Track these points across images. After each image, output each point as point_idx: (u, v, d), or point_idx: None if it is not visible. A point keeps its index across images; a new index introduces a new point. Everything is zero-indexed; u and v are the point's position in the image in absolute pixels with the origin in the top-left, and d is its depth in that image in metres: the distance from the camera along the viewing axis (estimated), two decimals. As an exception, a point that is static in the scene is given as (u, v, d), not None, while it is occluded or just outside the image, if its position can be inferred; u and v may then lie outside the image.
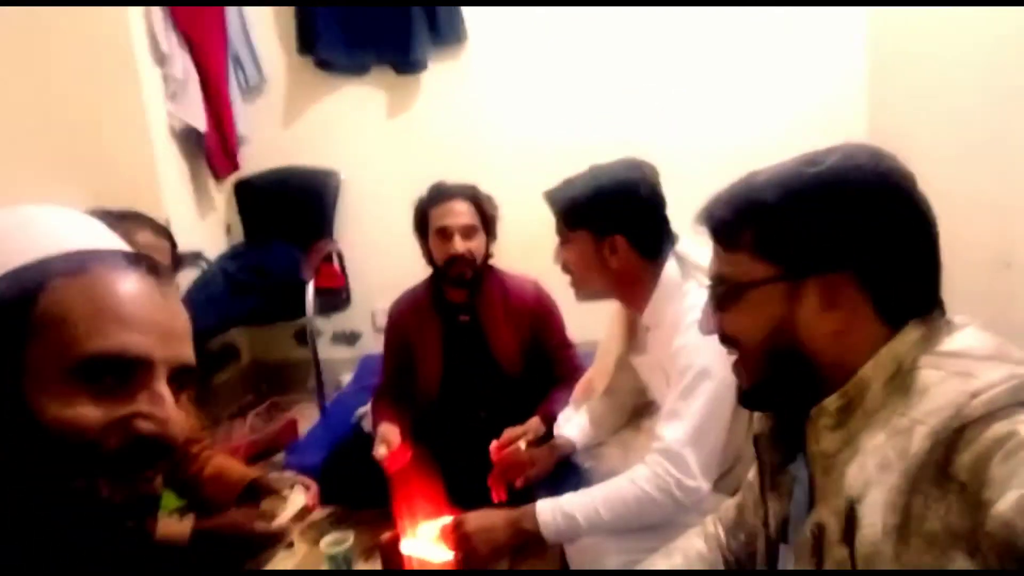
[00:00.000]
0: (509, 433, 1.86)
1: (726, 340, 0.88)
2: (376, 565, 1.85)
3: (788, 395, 0.84)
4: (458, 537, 1.41)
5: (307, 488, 1.59)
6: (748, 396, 0.88)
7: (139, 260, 0.63)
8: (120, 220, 1.47)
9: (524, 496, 1.59)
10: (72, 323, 0.57)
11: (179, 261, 2.71)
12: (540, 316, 2.11)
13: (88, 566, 0.57)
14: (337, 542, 1.84)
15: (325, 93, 3.11)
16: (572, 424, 1.82)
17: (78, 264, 0.59)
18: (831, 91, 2.92)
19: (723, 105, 2.98)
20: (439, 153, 3.02)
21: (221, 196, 3.20)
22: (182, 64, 2.76)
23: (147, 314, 0.60)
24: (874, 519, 0.70)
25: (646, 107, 2.99)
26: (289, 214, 3.01)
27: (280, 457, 2.53)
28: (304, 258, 2.75)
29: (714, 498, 1.39)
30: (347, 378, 3.09)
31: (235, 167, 3.06)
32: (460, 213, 2.01)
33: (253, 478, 1.63)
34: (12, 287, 0.56)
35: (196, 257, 2.86)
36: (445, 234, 2.01)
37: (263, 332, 3.28)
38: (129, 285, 0.60)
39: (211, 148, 2.92)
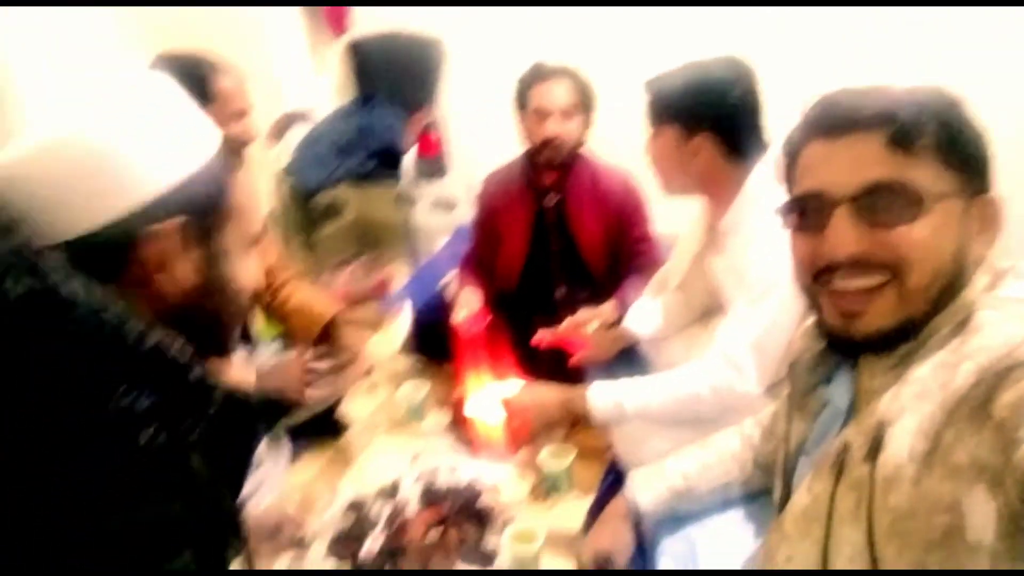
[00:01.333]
0: (581, 314, 1.94)
1: (878, 265, 0.75)
2: (447, 415, 2.04)
3: (915, 333, 0.76)
4: (512, 408, 1.53)
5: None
6: (882, 337, 0.77)
7: None
8: (197, 66, 1.58)
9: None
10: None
11: (290, 119, 2.88)
12: (626, 206, 2.11)
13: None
14: (413, 390, 2.03)
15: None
16: (641, 314, 1.88)
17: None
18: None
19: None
20: (548, 28, 2.95)
21: (335, 56, 3.27)
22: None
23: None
24: (902, 442, 0.70)
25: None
26: (396, 79, 3.06)
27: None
28: (406, 124, 2.82)
29: (766, 405, 1.44)
30: (442, 242, 3.23)
31: (347, 27, 3.10)
32: (559, 94, 2.00)
33: (329, 319, 1.79)
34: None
35: (306, 114, 3.00)
36: (541, 114, 2.01)
37: (368, 192, 3.43)
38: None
39: (326, 8, 2.96)
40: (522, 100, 2.05)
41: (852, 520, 0.75)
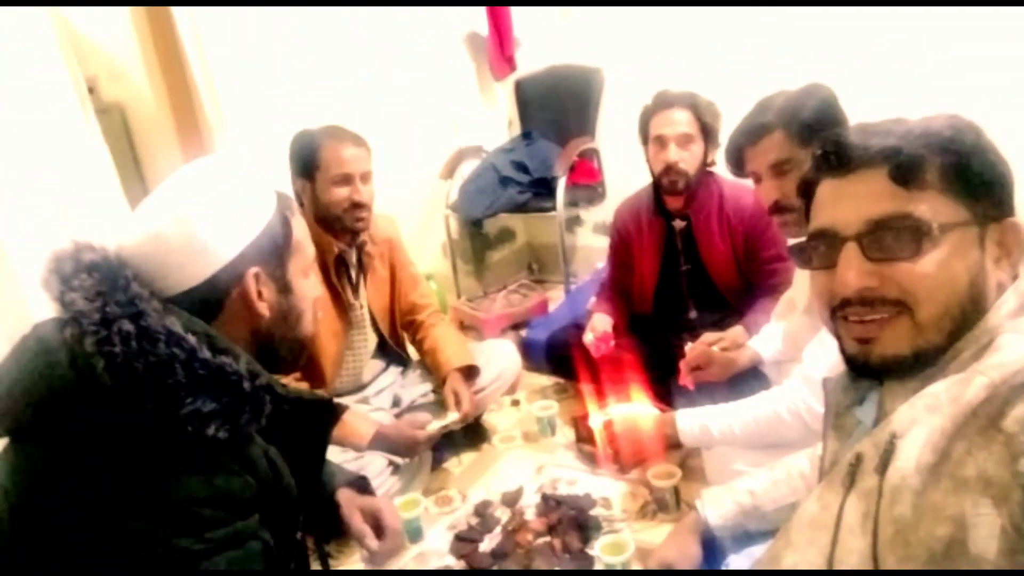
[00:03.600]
0: (706, 337, 1.96)
1: (885, 301, 0.76)
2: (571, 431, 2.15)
3: (936, 360, 0.76)
4: (608, 434, 1.62)
5: (460, 405, 1.92)
6: (898, 363, 0.77)
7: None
8: (327, 137, 1.84)
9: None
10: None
11: (461, 155, 3.17)
12: (755, 226, 2.09)
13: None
14: (544, 407, 2.18)
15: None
16: (767, 337, 1.87)
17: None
18: None
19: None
20: (700, 54, 2.97)
21: (505, 93, 3.55)
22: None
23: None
24: (911, 454, 0.70)
25: None
26: (557, 111, 3.24)
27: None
28: (561, 154, 2.99)
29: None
30: (601, 265, 3.35)
31: (512, 68, 3.36)
32: (677, 122, 2.04)
33: (449, 375, 1.99)
34: (279, 229, 0.94)
35: (477, 150, 3.29)
36: (661, 143, 2.06)
37: (536, 218, 3.65)
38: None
39: (491, 51, 3.25)
40: (644, 130, 2.12)
41: (859, 530, 0.75)
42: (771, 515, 1.18)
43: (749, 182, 2.11)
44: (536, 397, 2.43)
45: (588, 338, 2.18)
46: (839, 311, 0.80)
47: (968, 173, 0.74)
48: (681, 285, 2.26)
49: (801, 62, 2.65)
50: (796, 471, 1.21)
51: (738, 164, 1.54)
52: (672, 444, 1.60)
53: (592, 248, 3.49)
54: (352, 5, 2.74)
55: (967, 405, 0.67)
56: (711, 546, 1.26)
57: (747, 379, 1.85)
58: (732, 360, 1.81)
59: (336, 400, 1.13)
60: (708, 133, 2.07)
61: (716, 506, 1.24)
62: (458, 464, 2.12)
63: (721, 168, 2.12)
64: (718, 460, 1.53)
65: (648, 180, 2.24)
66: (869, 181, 0.77)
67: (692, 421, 1.50)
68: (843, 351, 0.84)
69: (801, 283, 1.83)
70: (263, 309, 0.91)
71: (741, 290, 2.16)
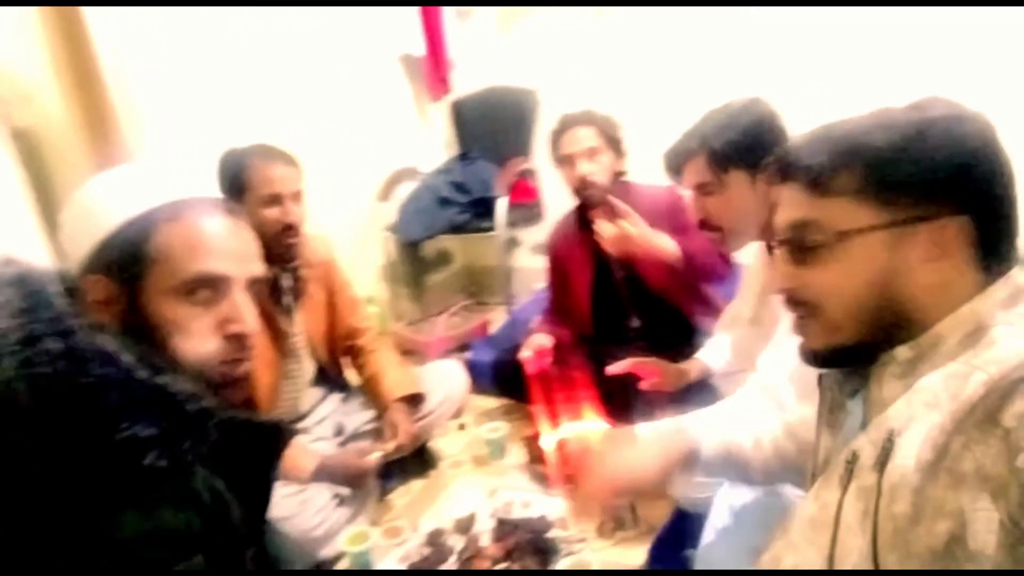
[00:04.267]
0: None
1: (799, 302, 0.82)
2: (526, 453, 2.11)
3: (870, 353, 0.81)
4: (576, 456, 1.57)
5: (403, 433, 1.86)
6: (823, 357, 0.84)
7: (218, 203, 0.87)
8: (255, 156, 1.76)
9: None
10: (174, 255, 0.81)
11: (397, 177, 3.12)
12: (676, 219, 2.10)
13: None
14: (494, 429, 2.13)
15: (531, 13, 3.23)
16: (715, 349, 1.88)
17: (176, 211, 0.83)
18: None
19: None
20: (636, 73, 3.03)
21: (440, 115, 3.52)
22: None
23: (225, 244, 0.84)
24: (910, 451, 0.70)
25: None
26: (494, 132, 3.24)
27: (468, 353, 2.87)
28: (499, 175, 2.98)
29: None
30: (540, 286, 3.34)
31: (447, 90, 3.34)
32: (581, 139, 2.11)
33: (390, 405, 1.92)
34: (132, 231, 0.81)
35: (412, 172, 3.24)
36: (571, 161, 2.13)
37: (473, 240, 3.62)
38: (211, 223, 0.85)
39: (427, 72, 3.22)
40: (555, 152, 2.19)
41: (858, 529, 0.75)
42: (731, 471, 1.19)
43: (662, 181, 2.19)
44: (482, 420, 2.37)
45: (525, 354, 2.15)
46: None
47: (882, 178, 0.76)
48: (619, 295, 2.26)
49: (737, 80, 2.73)
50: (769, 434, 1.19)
51: (677, 178, 1.57)
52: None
53: (531, 269, 3.47)
54: (295, 5, 2.66)
55: (967, 401, 0.67)
56: None
57: (697, 391, 1.85)
58: (683, 371, 1.80)
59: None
60: (613, 144, 2.15)
61: (710, 437, 1.18)
62: (406, 493, 2.03)
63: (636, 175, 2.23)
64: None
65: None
66: (792, 189, 0.82)
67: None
68: None
69: (747, 294, 1.86)
70: (105, 318, 0.80)
71: (677, 287, 2.16)
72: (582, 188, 2.15)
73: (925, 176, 0.75)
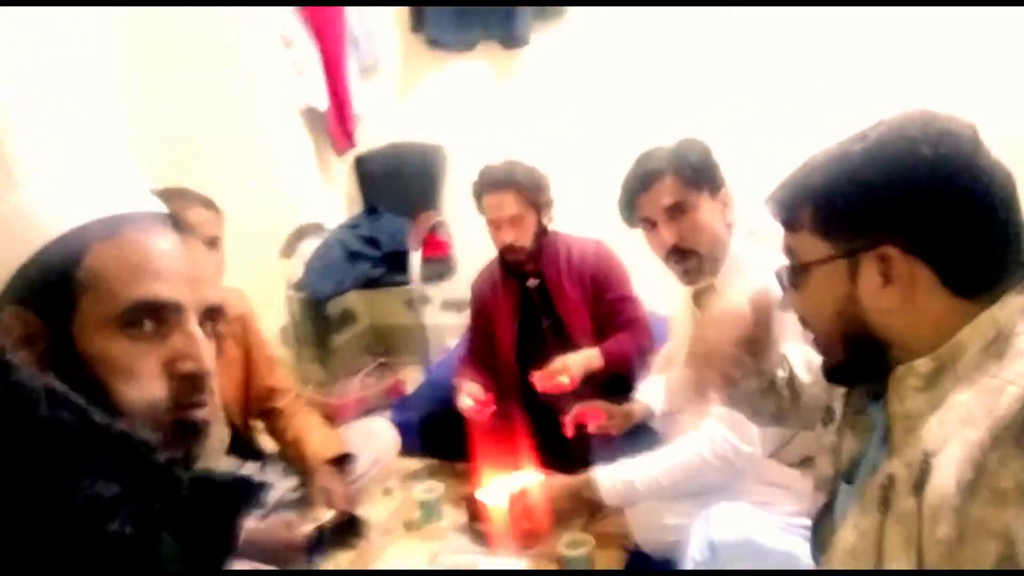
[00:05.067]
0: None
1: (802, 320, 0.90)
2: (463, 513, 2.00)
3: (866, 372, 0.85)
4: (519, 503, 1.50)
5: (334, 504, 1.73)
6: (829, 374, 0.90)
7: (163, 219, 0.72)
8: (171, 198, 1.62)
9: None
10: (111, 279, 0.66)
11: (301, 233, 2.98)
12: (600, 271, 2.16)
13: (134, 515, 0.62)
14: (428, 490, 2.00)
15: (435, 69, 3.25)
16: (651, 391, 1.87)
17: (112, 228, 0.68)
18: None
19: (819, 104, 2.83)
20: (542, 126, 3.09)
21: (343, 170, 3.43)
22: (305, 47, 2.98)
23: (173, 265, 0.70)
24: (948, 472, 0.69)
25: (742, 87, 2.89)
26: (400, 187, 3.18)
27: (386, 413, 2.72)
28: (411, 229, 2.91)
29: (776, 468, 1.41)
30: (453, 343, 3.26)
31: (352, 144, 3.27)
32: (503, 206, 2.09)
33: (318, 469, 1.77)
34: (57, 253, 0.67)
35: (317, 228, 3.11)
36: (494, 225, 2.12)
37: (379, 298, 3.49)
38: (156, 242, 0.69)
39: (331, 126, 3.14)
40: (479, 207, 2.17)
41: (903, 556, 0.72)
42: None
43: (589, 234, 2.23)
44: (408, 483, 2.23)
45: (465, 403, 2.07)
46: None
47: (826, 213, 0.81)
48: (543, 343, 2.24)
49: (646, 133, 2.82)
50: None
51: (630, 213, 1.56)
52: (593, 508, 1.51)
53: (441, 326, 3.38)
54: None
55: (1002, 417, 0.67)
56: None
57: (638, 433, 1.83)
58: (629, 413, 1.78)
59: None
60: (538, 205, 2.13)
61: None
62: (334, 566, 1.85)
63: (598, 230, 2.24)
64: (646, 517, 1.45)
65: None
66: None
67: (613, 478, 1.42)
68: None
69: (678, 338, 1.87)
70: (27, 357, 0.65)
71: (594, 337, 2.17)
72: (506, 253, 2.15)
73: (861, 208, 0.79)
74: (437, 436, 2.32)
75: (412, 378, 3.08)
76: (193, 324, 0.70)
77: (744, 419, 1.35)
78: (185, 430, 0.70)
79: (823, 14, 2.75)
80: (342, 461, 1.82)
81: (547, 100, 3.14)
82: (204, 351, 0.70)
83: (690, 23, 2.92)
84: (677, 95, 2.96)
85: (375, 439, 1.98)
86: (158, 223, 0.72)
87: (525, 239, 2.12)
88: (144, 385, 0.67)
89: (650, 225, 1.53)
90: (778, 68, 2.86)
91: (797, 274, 0.86)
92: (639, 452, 1.73)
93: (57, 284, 0.66)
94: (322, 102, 3.07)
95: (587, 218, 2.23)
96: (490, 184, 2.13)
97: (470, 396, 2.08)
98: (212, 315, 0.75)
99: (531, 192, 2.12)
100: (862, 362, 0.83)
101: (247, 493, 0.80)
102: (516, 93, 3.19)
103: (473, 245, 3.27)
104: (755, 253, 1.49)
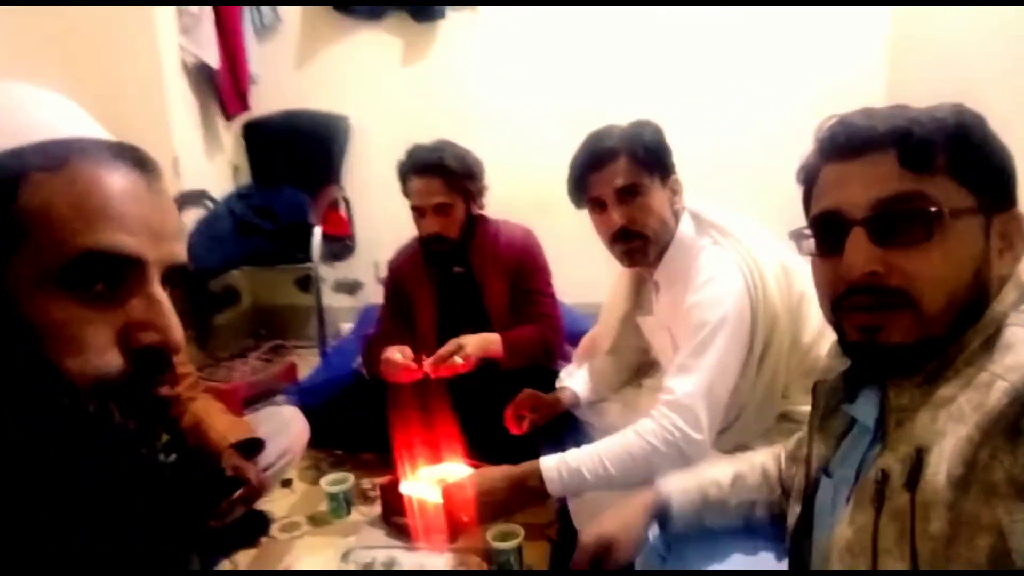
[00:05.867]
0: (452, 343, 1.92)
1: (887, 290, 0.73)
2: (374, 508, 1.89)
3: (944, 349, 0.74)
4: (457, 496, 1.42)
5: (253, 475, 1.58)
6: (906, 353, 0.75)
7: (124, 151, 0.58)
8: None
9: (525, 449, 1.61)
10: (56, 221, 0.52)
11: (184, 200, 2.72)
12: (523, 261, 2.09)
13: (97, 489, 0.56)
14: (337, 481, 1.87)
15: (340, 36, 3.07)
16: (575, 379, 1.84)
17: (58, 156, 0.54)
18: (849, 75, 2.86)
19: (738, 85, 2.93)
20: (452, 104, 2.99)
21: (230, 136, 3.17)
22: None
23: (136, 211, 0.56)
24: (940, 468, 0.68)
25: (662, 75, 2.95)
26: (297, 158, 2.98)
27: (280, 399, 2.54)
28: (312, 203, 2.73)
29: (714, 456, 1.41)
30: (346, 327, 3.10)
31: (245, 107, 3.03)
32: (430, 192, 1.97)
33: (225, 449, 1.60)
34: None
35: (201, 196, 2.85)
36: (419, 211, 2.00)
37: (264, 276, 3.27)
38: (115, 179, 0.56)
39: (222, 86, 2.88)
40: (404, 189, 2.04)
41: (897, 552, 0.71)
42: (732, 510, 1.09)
43: (518, 220, 2.17)
44: (308, 475, 2.09)
45: (395, 356, 1.93)
46: (844, 301, 0.77)
47: (976, 160, 0.74)
48: (464, 331, 2.16)
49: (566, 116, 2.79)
50: (759, 467, 1.13)
51: (579, 192, 1.51)
52: (537, 499, 1.45)
53: (335, 308, 3.22)
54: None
55: (991, 411, 0.66)
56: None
57: (564, 421, 1.80)
58: (557, 401, 1.74)
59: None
60: (467, 192, 2.03)
61: (681, 490, 1.09)
62: (231, 567, 1.68)
63: (513, 212, 2.17)
64: (593, 507, 1.41)
65: (400, 231, 2.18)
66: (878, 164, 0.74)
67: (560, 467, 1.36)
68: (845, 342, 0.81)
69: (606, 324, 1.86)
70: None
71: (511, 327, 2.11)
72: (431, 242, 2.03)
73: (996, 164, 0.75)
74: (339, 426, 2.17)
75: (303, 362, 2.89)
76: (156, 285, 0.57)
77: (694, 406, 1.36)
78: (143, 409, 0.57)
79: None
80: (247, 450, 1.65)
81: (459, 79, 3.04)
82: (171, 320, 0.57)
83: (615, 15, 2.93)
84: (598, 78, 2.96)
85: (284, 428, 1.81)
86: (117, 156, 0.57)
87: (451, 230, 2.01)
88: (92, 358, 0.53)
89: (599, 206, 1.50)
90: (704, 45, 2.92)
91: (924, 224, 0.72)
92: (563, 441, 1.71)
93: None
94: (214, 59, 2.80)
95: (495, 202, 2.16)
96: (418, 167, 1.99)
97: (400, 353, 1.94)
98: (175, 278, 0.60)
99: (461, 179, 2.00)
100: (952, 335, 0.73)
101: (227, 486, 0.68)
102: (426, 69, 3.07)
103: (374, 225, 3.18)
104: (708, 245, 1.49)
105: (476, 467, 1.68)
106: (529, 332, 2.04)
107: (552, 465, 1.36)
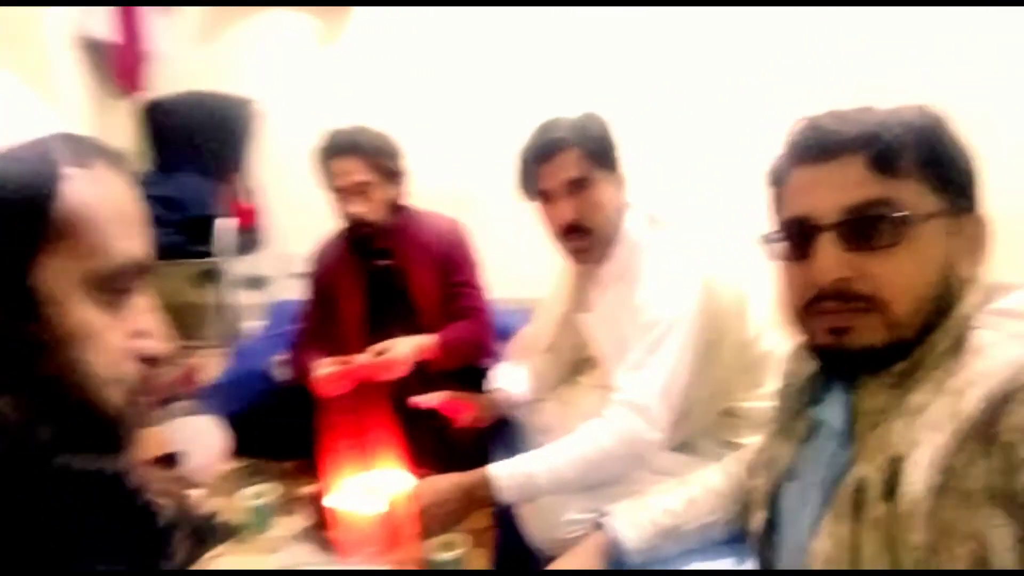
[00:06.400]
0: (383, 344, 1.85)
1: (856, 294, 0.74)
2: (297, 519, 1.76)
3: (911, 351, 0.75)
4: (402, 506, 1.33)
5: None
6: (876, 356, 0.75)
7: (115, 153, 0.57)
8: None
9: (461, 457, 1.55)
10: (97, 225, 0.50)
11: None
12: (452, 253, 2.03)
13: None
14: (259, 493, 1.73)
15: (250, 13, 2.88)
16: (509, 379, 1.79)
17: (85, 155, 0.51)
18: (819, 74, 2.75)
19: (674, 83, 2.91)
20: (368, 90, 2.87)
21: (128, 118, 2.91)
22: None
23: (138, 213, 0.56)
24: (918, 477, 0.68)
25: (580, 65, 2.91)
26: (202, 143, 2.79)
27: (182, 405, 2.34)
28: (218, 192, 2.54)
29: (663, 454, 1.40)
30: (252, 325, 2.91)
31: (139, 86, 2.79)
32: (349, 171, 1.88)
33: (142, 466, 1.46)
34: (24, 173, 0.48)
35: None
36: (340, 195, 1.91)
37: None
38: (127, 182, 0.55)
39: (118, 62, 2.63)
40: (322, 176, 1.93)
41: (878, 563, 0.71)
42: (692, 535, 1.08)
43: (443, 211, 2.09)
44: (223, 486, 1.92)
45: (323, 370, 1.80)
46: (813, 306, 0.78)
47: (943, 163, 0.75)
48: (393, 330, 2.06)
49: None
50: (712, 487, 1.13)
51: (529, 184, 1.47)
52: (486, 507, 1.38)
53: (237, 306, 3.01)
54: None
55: (966, 418, 0.67)
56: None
57: (498, 427, 1.75)
58: (495, 403, 1.68)
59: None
60: (388, 173, 1.94)
61: (632, 525, 1.08)
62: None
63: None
64: (547, 513, 1.36)
65: (311, 223, 2.09)
66: (847, 168, 0.75)
67: (512, 473, 1.30)
68: (814, 346, 0.81)
69: (544, 322, 1.81)
70: None
71: (444, 324, 2.02)
72: (354, 228, 1.93)
73: (961, 166, 0.76)
74: (255, 433, 2.02)
75: (208, 365, 2.68)
76: (146, 292, 0.57)
77: (650, 405, 1.34)
78: (128, 421, 0.56)
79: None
80: (163, 463, 1.50)
81: (376, 64, 2.91)
82: (165, 328, 0.58)
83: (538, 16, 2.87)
84: (524, 68, 2.89)
85: (201, 439, 1.66)
86: (117, 156, 0.56)
87: (376, 212, 1.92)
88: (116, 363, 0.53)
89: (547, 198, 1.45)
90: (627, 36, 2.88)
91: (892, 229, 0.73)
92: (499, 442, 1.65)
93: (21, 214, 0.48)
94: (106, 32, 2.55)
95: (413, 194, 2.07)
96: (336, 148, 1.90)
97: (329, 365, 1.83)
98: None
99: (380, 158, 1.92)
100: (920, 337, 0.74)
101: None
102: (341, 53, 2.92)
103: (280, 217, 3.00)
104: (659, 242, 1.47)
105: (417, 474, 1.59)
106: (463, 331, 1.97)
107: (504, 472, 1.31)
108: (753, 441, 1.40)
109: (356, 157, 1.89)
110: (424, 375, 1.95)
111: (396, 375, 1.81)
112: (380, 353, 1.82)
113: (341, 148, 1.89)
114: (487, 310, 2.07)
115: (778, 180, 0.83)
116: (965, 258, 0.76)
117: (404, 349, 1.84)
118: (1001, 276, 0.80)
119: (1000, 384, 0.66)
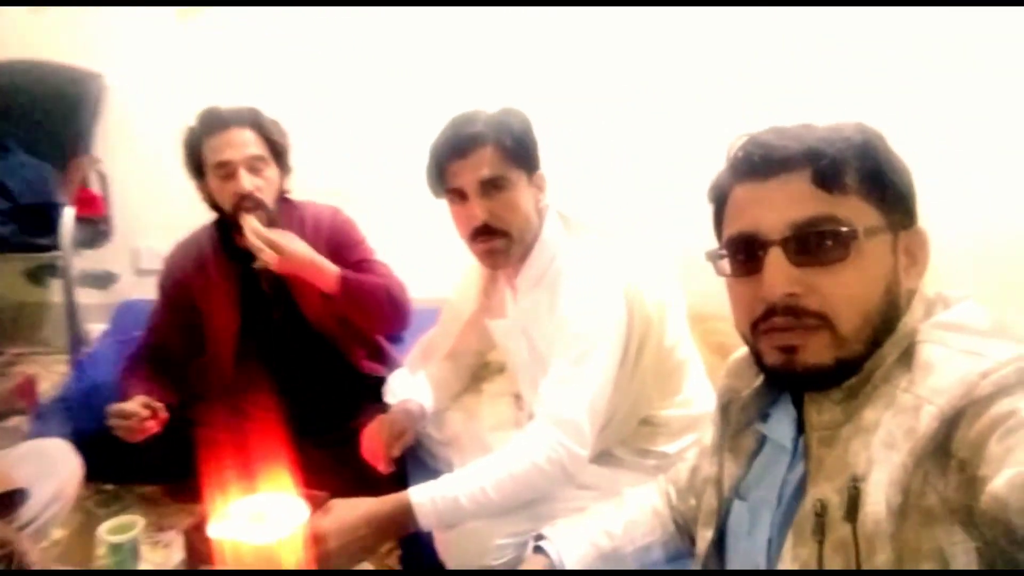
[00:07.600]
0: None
1: (805, 311, 0.74)
2: (166, 552, 1.55)
3: (860, 368, 0.75)
4: (316, 549, 1.18)
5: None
6: (825, 375, 0.75)
7: None
8: None
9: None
10: None
11: None
12: (338, 239, 1.86)
13: None
14: (121, 528, 1.51)
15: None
16: (411, 388, 1.67)
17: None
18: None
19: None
20: (235, 72, 2.61)
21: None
22: None
23: None
24: (879, 498, 0.68)
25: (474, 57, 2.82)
26: (35, 121, 2.45)
27: (17, 422, 2.03)
28: (59, 177, 2.23)
29: (591, 469, 1.35)
30: (95, 328, 2.59)
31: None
32: (242, 143, 1.69)
33: None
34: None
35: None
36: (227, 170, 1.69)
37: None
38: None
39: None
40: (196, 157, 1.72)
41: None
42: (628, 557, 1.06)
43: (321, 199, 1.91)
44: (73, 519, 1.68)
45: (120, 417, 1.56)
46: (762, 323, 0.78)
47: (883, 179, 0.77)
48: (274, 339, 1.87)
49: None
50: (649, 507, 1.10)
51: (439, 181, 1.37)
52: (403, 534, 1.26)
53: (81, 306, 2.66)
54: None
55: (922, 437, 0.68)
56: None
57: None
58: (408, 419, 1.56)
59: None
60: (279, 155, 1.78)
61: (572, 548, 1.04)
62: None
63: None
64: (471, 537, 1.25)
65: (164, 214, 1.96)
66: (791, 184, 0.76)
67: (433, 497, 1.19)
68: (763, 364, 0.82)
69: (448, 327, 1.72)
70: None
71: (338, 324, 1.87)
72: (242, 207, 1.69)
73: (900, 181, 0.78)
74: (107, 453, 1.74)
75: (44, 375, 2.35)
76: None
77: (577, 420, 1.28)
78: None
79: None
80: (7, 501, 1.25)
81: (244, 43, 2.65)
82: None
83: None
84: (414, 57, 2.67)
85: (51, 467, 1.41)
86: None
87: (268, 194, 1.72)
88: None
89: (459, 197, 1.37)
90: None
91: (839, 245, 0.74)
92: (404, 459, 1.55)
93: None
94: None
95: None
96: (221, 121, 1.69)
97: (134, 408, 1.58)
98: None
99: (274, 136, 1.75)
100: (870, 354, 0.75)
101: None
102: (205, 27, 2.64)
103: (132, 206, 2.69)
104: (568, 242, 1.42)
105: (312, 497, 1.44)
106: (371, 278, 1.79)
107: (425, 498, 1.19)
108: (670, 449, 1.43)
109: (252, 129, 1.70)
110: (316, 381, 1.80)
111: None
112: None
113: (232, 119, 1.70)
114: (395, 277, 1.86)
115: (720, 196, 0.84)
116: (907, 272, 0.78)
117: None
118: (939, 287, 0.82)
119: (952, 401, 0.66)
